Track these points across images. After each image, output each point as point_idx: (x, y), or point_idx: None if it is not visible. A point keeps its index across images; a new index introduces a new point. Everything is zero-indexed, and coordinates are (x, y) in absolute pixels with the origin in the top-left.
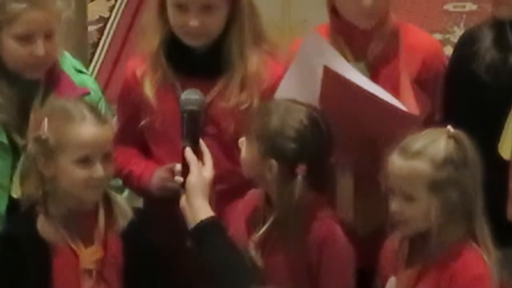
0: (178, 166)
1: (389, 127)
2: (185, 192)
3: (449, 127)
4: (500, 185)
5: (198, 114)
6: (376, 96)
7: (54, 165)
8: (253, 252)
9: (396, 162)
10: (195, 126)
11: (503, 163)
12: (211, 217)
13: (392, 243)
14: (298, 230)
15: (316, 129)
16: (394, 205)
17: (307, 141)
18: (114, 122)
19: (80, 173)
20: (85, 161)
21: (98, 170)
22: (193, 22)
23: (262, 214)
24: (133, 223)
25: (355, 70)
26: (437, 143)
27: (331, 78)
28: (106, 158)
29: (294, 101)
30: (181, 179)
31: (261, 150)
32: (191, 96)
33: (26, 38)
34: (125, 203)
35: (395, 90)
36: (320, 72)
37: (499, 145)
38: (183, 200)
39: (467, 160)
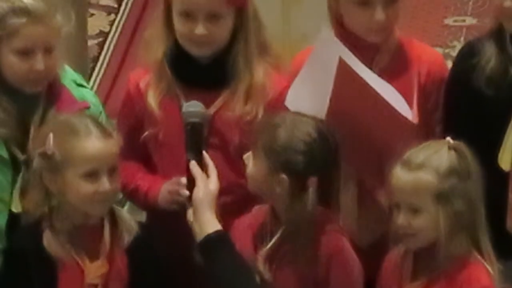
0: (184, 180)
1: (386, 129)
2: (191, 206)
3: (448, 138)
4: (500, 196)
5: (200, 126)
6: (381, 97)
7: (61, 180)
8: (261, 266)
9: (400, 175)
10: (198, 139)
11: (503, 175)
12: (219, 230)
13: (394, 257)
14: (308, 244)
15: (324, 141)
16: (401, 219)
17: (316, 153)
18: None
19: (87, 187)
20: (91, 175)
21: (105, 184)
22: (200, 30)
23: (269, 228)
24: (138, 238)
25: (366, 69)
26: (439, 154)
27: (345, 72)
28: (112, 172)
29: (299, 114)
30: (187, 192)
31: (270, 165)
32: (193, 108)
33: (26, 53)
34: (131, 218)
35: None
36: (333, 69)
37: (499, 156)
38: (190, 214)
39: (469, 170)
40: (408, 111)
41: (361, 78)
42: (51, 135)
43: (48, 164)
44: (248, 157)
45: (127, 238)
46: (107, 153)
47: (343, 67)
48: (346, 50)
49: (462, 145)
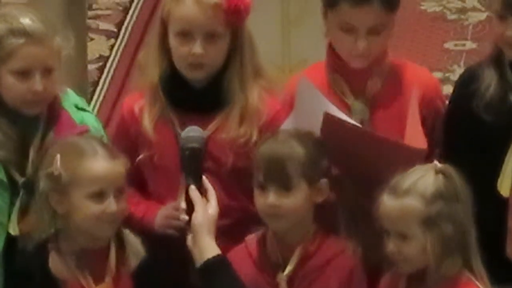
0: (183, 205)
1: (395, 164)
2: (190, 230)
3: (435, 162)
4: (499, 222)
5: (199, 151)
6: (378, 135)
7: (67, 201)
8: None
9: (387, 202)
10: (197, 164)
11: (502, 201)
12: (218, 255)
13: (389, 279)
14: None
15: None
16: (391, 245)
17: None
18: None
19: (94, 208)
20: (98, 195)
21: (112, 204)
22: (197, 49)
23: (279, 254)
24: (144, 262)
25: (348, 117)
26: (425, 179)
27: (332, 123)
28: (119, 192)
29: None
30: (186, 217)
31: (306, 182)
32: (192, 133)
33: (24, 74)
34: (138, 242)
35: (394, 127)
36: (317, 118)
37: (498, 182)
38: (189, 239)
39: (457, 193)
40: (418, 139)
41: (352, 123)
42: (58, 156)
43: (55, 185)
44: (279, 200)
45: (133, 262)
46: (113, 173)
47: (329, 120)
48: (325, 99)
49: (449, 168)
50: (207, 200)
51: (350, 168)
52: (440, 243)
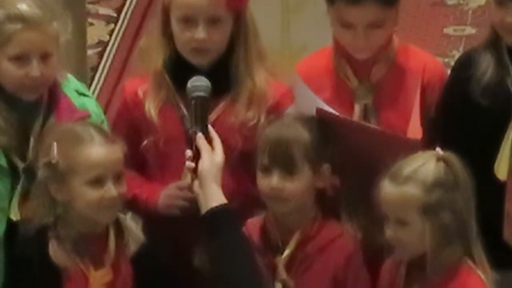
0: (189, 152)
1: (390, 154)
2: (196, 178)
3: (438, 149)
4: (496, 206)
5: (205, 100)
6: (373, 127)
7: (66, 188)
8: (283, 274)
9: (387, 188)
10: (203, 112)
11: (499, 185)
12: (223, 204)
13: (389, 267)
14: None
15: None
16: (389, 231)
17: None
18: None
19: (93, 194)
20: (96, 181)
21: (111, 190)
22: (200, 34)
23: (278, 237)
24: (143, 247)
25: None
26: (426, 167)
27: (326, 118)
28: (118, 178)
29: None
30: (192, 164)
31: (310, 167)
32: (199, 82)
33: (21, 59)
34: (137, 227)
35: (398, 111)
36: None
37: (495, 166)
38: (196, 186)
39: (458, 182)
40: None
41: (344, 118)
42: (55, 144)
43: (53, 174)
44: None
45: (132, 248)
46: (111, 159)
47: (322, 115)
48: (317, 98)
49: (451, 156)
50: (213, 148)
51: (347, 160)
52: (438, 231)
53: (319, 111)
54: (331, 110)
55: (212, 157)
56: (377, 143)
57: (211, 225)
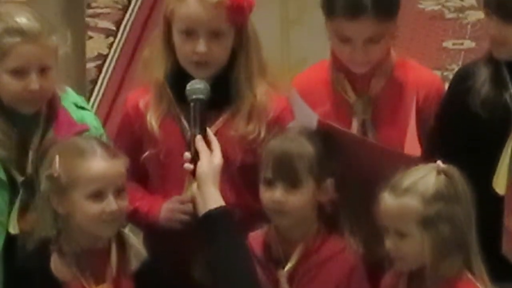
0: (187, 154)
1: (389, 169)
2: (194, 180)
3: (438, 162)
4: (494, 219)
5: (204, 102)
6: (372, 142)
7: (68, 202)
8: (286, 287)
9: (387, 200)
10: (202, 115)
11: (498, 198)
12: (221, 206)
13: (390, 278)
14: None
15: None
16: (388, 243)
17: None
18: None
19: (93, 207)
20: (97, 195)
21: (111, 204)
22: (201, 48)
23: (281, 250)
24: (145, 263)
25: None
26: (426, 179)
27: (326, 130)
28: (119, 192)
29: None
30: (191, 166)
31: (316, 180)
32: (198, 85)
33: (20, 73)
34: (139, 243)
35: (396, 126)
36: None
37: (494, 179)
38: (194, 188)
39: (458, 195)
40: (412, 144)
41: (344, 130)
42: (57, 157)
43: (55, 187)
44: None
45: (134, 264)
46: (112, 173)
47: (322, 126)
48: (312, 112)
49: (452, 169)
50: (211, 150)
51: (348, 172)
52: (437, 244)
53: (320, 122)
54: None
55: (211, 159)
56: (377, 158)
57: (209, 227)
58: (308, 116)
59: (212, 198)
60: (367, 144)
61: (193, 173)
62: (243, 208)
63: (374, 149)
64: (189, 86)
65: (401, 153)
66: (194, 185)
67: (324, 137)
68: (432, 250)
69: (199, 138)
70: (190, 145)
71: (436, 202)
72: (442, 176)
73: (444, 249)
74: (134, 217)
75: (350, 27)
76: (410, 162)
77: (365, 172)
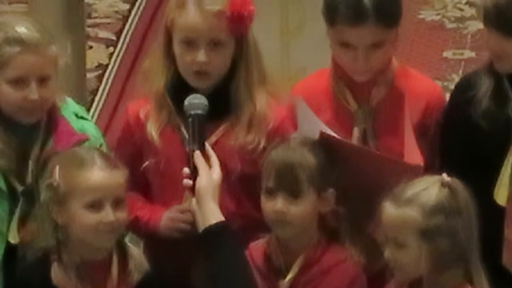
0: (186, 170)
1: (391, 179)
2: (193, 195)
3: (444, 175)
4: (495, 230)
5: (203, 118)
6: (375, 152)
7: (66, 211)
8: None
9: (387, 209)
10: (201, 130)
11: (499, 209)
12: (221, 222)
13: None
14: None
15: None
16: (387, 252)
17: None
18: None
19: (91, 217)
20: (95, 205)
21: (109, 214)
22: (201, 57)
23: (282, 260)
24: (147, 275)
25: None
26: (429, 191)
27: (329, 142)
28: (117, 203)
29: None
30: (190, 182)
31: (317, 190)
32: (197, 100)
33: (19, 82)
34: (141, 255)
35: (397, 136)
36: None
37: (495, 191)
38: (193, 204)
39: (460, 209)
40: (414, 155)
41: (347, 142)
42: (57, 167)
43: (54, 196)
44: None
45: (136, 275)
46: (111, 183)
47: (325, 138)
48: (319, 120)
49: (456, 182)
50: (210, 166)
51: (347, 183)
52: (434, 256)
53: (322, 134)
54: (333, 133)
55: (210, 174)
56: (379, 168)
57: (209, 242)
58: (313, 124)
59: (211, 214)
60: (369, 154)
61: (192, 188)
62: (243, 217)
63: (376, 159)
64: (187, 101)
65: (404, 162)
66: (193, 201)
67: (326, 147)
68: (429, 262)
69: (198, 154)
70: (189, 161)
71: (436, 215)
72: (446, 189)
73: (442, 262)
74: (135, 226)
75: (352, 33)
76: (412, 171)
77: (367, 183)
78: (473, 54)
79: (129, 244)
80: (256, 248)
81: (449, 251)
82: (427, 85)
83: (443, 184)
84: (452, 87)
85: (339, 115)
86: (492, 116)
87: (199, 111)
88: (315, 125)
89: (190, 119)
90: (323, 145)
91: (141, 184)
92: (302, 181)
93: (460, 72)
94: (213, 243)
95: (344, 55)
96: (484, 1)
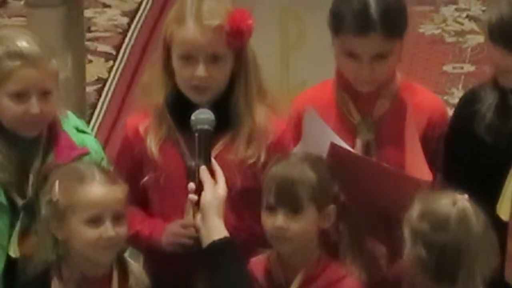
0: (192, 185)
1: (399, 193)
2: (198, 210)
3: (465, 195)
4: (498, 245)
5: (209, 133)
6: (383, 166)
7: (66, 227)
8: None
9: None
10: (207, 145)
11: (502, 224)
12: (225, 237)
13: None
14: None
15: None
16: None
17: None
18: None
19: (90, 233)
20: (94, 220)
21: (108, 230)
22: (200, 72)
23: (282, 276)
24: None
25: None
26: (439, 200)
27: (338, 153)
28: (117, 218)
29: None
30: (195, 197)
31: (318, 206)
32: (203, 115)
33: (20, 96)
34: (142, 272)
35: (400, 149)
36: (322, 150)
37: (498, 206)
38: (198, 219)
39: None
40: (423, 170)
41: (357, 154)
42: (57, 182)
43: (54, 212)
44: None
45: None
46: (110, 198)
47: (335, 150)
48: (330, 130)
49: (472, 209)
50: (216, 181)
51: (356, 196)
52: (414, 260)
53: (333, 146)
54: (345, 145)
55: (215, 190)
56: (388, 183)
57: (213, 258)
58: (323, 134)
59: (216, 229)
60: (379, 168)
61: (198, 203)
62: (244, 232)
63: (386, 173)
64: (194, 116)
65: (414, 178)
66: (198, 216)
67: (330, 159)
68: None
69: (203, 169)
70: (194, 176)
71: (424, 222)
72: (454, 208)
73: (421, 268)
74: (135, 241)
75: (358, 43)
76: (422, 187)
77: (375, 196)
78: (473, 68)
79: (129, 259)
80: (257, 264)
81: (427, 261)
82: (430, 99)
83: (454, 202)
84: (452, 101)
85: (342, 126)
86: (496, 130)
87: (206, 127)
88: (326, 135)
89: (196, 134)
90: (332, 156)
91: (141, 198)
92: (302, 197)
93: (460, 86)
94: (217, 259)
95: (348, 65)
96: (489, 17)
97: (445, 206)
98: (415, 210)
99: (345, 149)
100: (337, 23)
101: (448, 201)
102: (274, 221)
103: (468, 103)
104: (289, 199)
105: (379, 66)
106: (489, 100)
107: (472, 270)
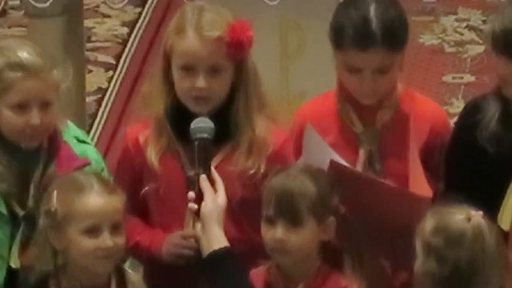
0: (192, 194)
1: (400, 210)
2: (198, 220)
3: (480, 212)
4: None
5: (209, 141)
6: (384, 183)
7: (64, 237)
8: None
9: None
10: (207, 154)
11: (504, 234)
12: (225, 247)
13: None
14: None
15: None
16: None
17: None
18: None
19: (88, 243)
20: (92, 231)
21: (107, 240)
22: (200, 83)
23: (282, 287)
24: None
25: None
26: (454, 215)
27: (338, 170)
28: (115, 228)
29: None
30: (195, 206)
31: (315, 219)
32: (202, 124)
33: (21, 107)
34: (140, 281)
35: (403, 158)
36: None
37: (499, 216)
38: (198, 229)
39: (463, 244)
40: (423, 186)
41: (357, 172)
42: (55, 192)
43: (52, 222)
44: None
45: None
46: (108, 209)
47: (335, 167)
48: (329, 147)
49: (487, 225)
50: (216, 190)
51: (357, 210)
52: (423, 272)
53: (333, 163)
54: (344, 162)
55: (215, 199)
56: (388, 199)
57: (213, 267)
58: (322, 152)
59: (216, 239)
60: (379, 185)
61: (197, 213)
62: (244, 242)
63: (386, 190)
64: (193, 125)
65: (413, 194)
66: (198, 225)
67: (335, 175)
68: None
69: (203, 178)
70: (194, 185)
71: (438, 236)
72: (469, 224)
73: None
74: (136, 251)
75: (359, 57)
76: (421, 203)
77: (375, 212)
78: (472, 78)
79: (128, 269)
80: (257, 275)
81: (436, 275)
82: (432, 108)
83: (468, 218)
84: (451, 111)
85: (345, 136)
86: (499, 140)
87: (205, 135)
88: (324, 153)
89: (196, 143)
90: (332, 173)
91: (141, 208)
92: (302, 210)
93: (460, 96)
94: (217, 268)
95: (350, 78)
96: (492, 26)
97: (460, 222)
98: (428, 224)
99: (344, 167)
100: (338, 38)
101: (462, 216)
102: (274, 233)
103: (471, 113)
104: (288, 211)
105: (381, 79)
106: (492, 110)
107: (485, 285)
